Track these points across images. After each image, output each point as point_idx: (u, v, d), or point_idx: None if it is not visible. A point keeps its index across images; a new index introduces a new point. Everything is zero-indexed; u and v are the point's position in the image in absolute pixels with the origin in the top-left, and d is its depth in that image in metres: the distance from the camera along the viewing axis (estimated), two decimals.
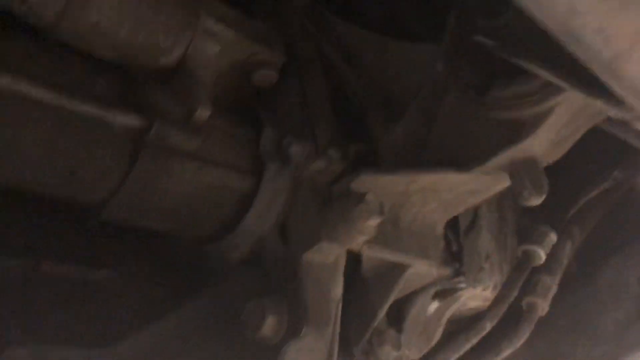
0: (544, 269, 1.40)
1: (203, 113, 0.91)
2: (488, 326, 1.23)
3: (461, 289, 1.33)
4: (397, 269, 1.14)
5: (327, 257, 1.01)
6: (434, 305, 1.36)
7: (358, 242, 0.98)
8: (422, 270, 1.17)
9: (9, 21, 0.81)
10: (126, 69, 0.92)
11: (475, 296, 1.38)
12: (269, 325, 0.93)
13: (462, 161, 1.07)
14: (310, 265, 0.98)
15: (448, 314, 1.39)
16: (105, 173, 0.86)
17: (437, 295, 1.33)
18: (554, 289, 1.40)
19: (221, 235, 1.04)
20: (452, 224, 1.31)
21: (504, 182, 1.10)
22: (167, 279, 1.06)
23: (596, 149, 1.34)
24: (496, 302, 1.26)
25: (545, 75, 0.90)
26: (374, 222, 0.96)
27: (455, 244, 1.31)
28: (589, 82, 0.82)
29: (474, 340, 1.23)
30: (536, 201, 1.02)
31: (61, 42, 0.85)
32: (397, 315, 1.30)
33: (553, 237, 1.36)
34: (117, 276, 1.01)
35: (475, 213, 1.38)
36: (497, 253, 1.41)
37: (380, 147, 1.14)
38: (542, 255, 1.33)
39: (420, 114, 1.15)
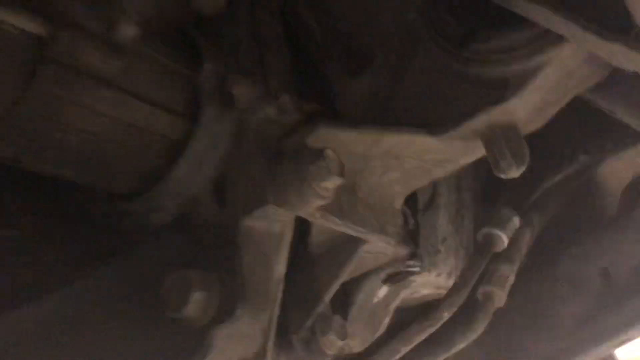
0: (502, 257, 1.28)
1: (128, 30, 0.71)
2: (445, 316, 1.09)
3: (415, 273, 1.18)
4: (351, 245, 0.98)
5: (272, 224, 0.83)
6: (383, 291, 1.21)
7: (311, 208, 0.81)
8: (377, 248, 1.01)
9: None
10: None
11: (427, 282, 1.25)
12: (195, 304, 0.74)
13: (433, 123, 0.92)
14: (251, 232, 0.80)
15: (397, 301, 1.25)
16: None
17: (388, 279, 1.18)
18: (511, 279, 1.28)
19: (142, 191, 0.84)
20: (410, 200, 1.17)
21: (477, 153, 0.96)
22: (74, 241, 0.85)
23: (561, 129, 1.23)
24: (455, 289, 1.12)
25: (546, 15, 0.76)
26: (332, 184, 0.79)
27: (413, 222, 1.16)
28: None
29: (429, 331, 1.09)
30: (515, 173, 0.88)
31: None
32: (343, 300, 1.15)
33: (516, 221, 1.23)
34: (16, 235, 0.80)
35: (434, 190, 1.24)
36: (453, 236, 1.27)
37: (340, 102, 0.99)
38: (504, 240, 1.20)
39: (388, 67, 1.00)
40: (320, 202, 0.80)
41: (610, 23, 0.72)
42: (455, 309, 1.10)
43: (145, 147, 0.80)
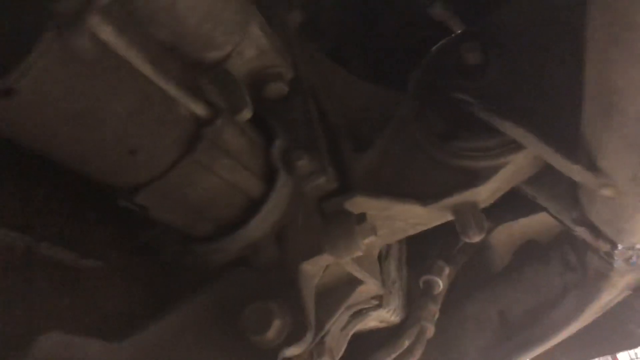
0: (430, 298, 1.63)
1: (247, 114, 0.93)
2: (406, 344, 1.39)
3: (374, 309, 1.47)
4: (351, 285, 1.24)
5: (317, 267, 1.07)
6: (346, 322, 1.48)
7: (351, 256, 1.07)
8: (368, 288, 1.29)
9: None
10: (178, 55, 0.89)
11: (378, 317, 1.54)
12: (274, 328, 0.95)
13: (418, 197, 1.22)
14: (307, 273, 1.04)
15: (352, 332, 1.52)
16: (159, 158, 0.83)
17: (355, 313, 1.45)
18: (437, 315, 1.63)
19: (214, 236, 1.03)
20: None
21: (445, 218, 1.28)
22: (149, 273, 1.01)
23: None
24: (410, 323, 1.43)
25: (520, 135, 1.09)
26: (369, 240, 1.06)
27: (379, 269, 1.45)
28: (564, 143, 1.03)
29: (393, 355, 1.38)
30: (477, 238, 1.21)
31: (132, 13, 0.81)
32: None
33: (447, 270, 1.59)
34: (103, 266, 0.94)
35: (388, 245, 1.55)
36: (398, 280, 1.59)
37: (350, 172, 1.25)
38: (440, 285, 1.55)
39: (383, 149, 1.28)
40: (358, 254, 1.06)
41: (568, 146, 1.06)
42: (413, 339, 1.41)
43: (231, 202, 1.00)
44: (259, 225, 1.04)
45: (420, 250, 1.71)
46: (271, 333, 0.95)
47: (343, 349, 1.48)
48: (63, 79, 0.65)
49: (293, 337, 0.97)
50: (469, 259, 1.79)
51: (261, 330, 0.95)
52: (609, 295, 1.55)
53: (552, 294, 1.60)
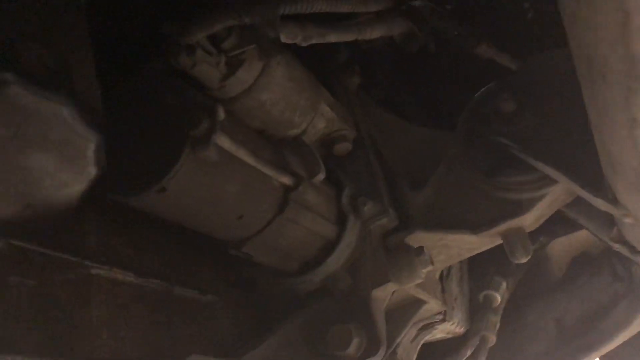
0: (491, 310, 1.82)
1: (321, 176, 1.18)
2: (468, 353, 1.59)
3: (439, 322, 1.68)
4: (416, 305, 1.47)
5: (385, 293, 1.31)
6: (415, 334, 1.69)
7: (413, 284, 1.29)
8: (431, 307, 1.50)
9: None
10: (266, 137, 1.16)
11: (444, 329, 1.75)
12: (354, 346, 1.19)
13: (470, 226, 1.42)
14: (377, 300, 1.27)
15: (422, 342, 1.74)
16: (259, 218, 1.09)
17: (423, 327, 1.67)
18: (497, 325, 1.82)
19: (302, 272, 1.28)
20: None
21: (495, 243, 1.47)
22: (251, 304, 1.28)
23: None
24: (473, 334, 1.63)
25: (551, 171, 1.28)
26: (427, 269, 1.28)
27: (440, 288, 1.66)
28: (588, 180, 1.21)
29: None
30: (524, 260, 1.40)
31: (231, 113, 1.08)
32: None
33: (504, 285, 1.78)
34: (218, 299, 1.21)
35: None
36: (460, 296, 1.79)
37: (409, 209, 1.47)
38: (498, 298, 1.75)
39: (436, 185, 1.49)
40: (419, 281, 1.29)
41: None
42: (474, 348, 1.61)
43: (313, 245, 1.26)
44: (335, 261, 1.28)
45: (480, 268, 1.89)
46: (352, 349, 1.19)
47: (414, 359, 1.70)
48: (197, 177, 0.93)
49: (369, 352, 1.21)
50: (527, 271, 1.96)
51: (343, 347, 1.19)
52: None
53: (603, 303, 1.75)
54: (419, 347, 1.71)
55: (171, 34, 0.94)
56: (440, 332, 1.76)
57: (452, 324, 1.73)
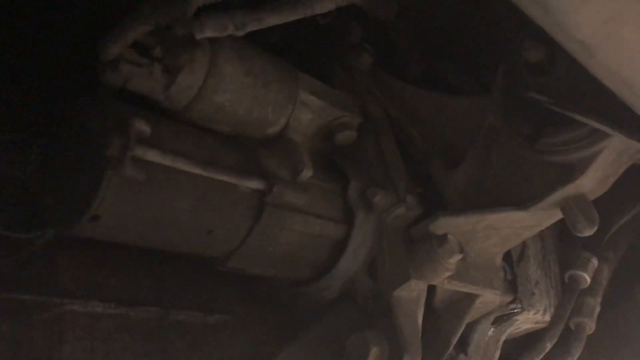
0: (587, 291, 1.55)
1: (307, 173, 1.06)
2: (548, 346, 1.37)
3: (516, 313, 1.47)
4: (468, 299, 1.28)
5: (413, 292, 1.15)
6: (492, 330, 1.49)
7: (441, 278, 1.12)
8: (488, 299, 1.31)
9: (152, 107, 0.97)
10: (239, 140, 1.07)
11: (527, 319, 1.52)
12: (373, 355, 1.06)
13: (518, 201, 1.21)
14: (400, 300, 1.13)
15: (504, 337, 1.53)
16: (234, 230, 1.01)
17: (496, 321, 1.46)
18: (597, 309, 1.55)
19: (316, 278, 1.17)
20: (506, 255, 1.46)
21: (556, 216, 1.24)
22: (269, 318, 1.20)
23: (623, 179, 1.50)
24: (553, 323, 1.40)
25: (594, 123, 1.05)
26: (455, 259, 1.11)
27: (510, 273, 1.45)
28: (635, 126, 0.97)
29: (537, 359, 1.37)
30: (589, 232, 1.16)
31: (190, 122, 1.01)
32: (462, 341, 1.43)
33: (595, 262, 1.51)
34: (229, 318, 1.14)
35: (523, 243, 1.53)
36: (543, 279, 1.55)
37: (444, 191, 1.30)
38: (587, 279, 1.48)
39: (475, 160, 1.30)
40: (448, 274, 1.12)
41: None
42: (555, 340, 1.38)
43: (318, 248, 1.14)
44: (350, 262, 1.16)
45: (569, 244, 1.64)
46: (371, 359, 1.06)
47: (496, 356, 1.50)
48: (131, 198, 0.87)
49: None
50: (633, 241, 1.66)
51: (362, 358, 1.06)
52: None
53: None
54: (499, 342, 1.51)
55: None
56: (525, 322, 1.53)
57: (536, 312, 1.50)
